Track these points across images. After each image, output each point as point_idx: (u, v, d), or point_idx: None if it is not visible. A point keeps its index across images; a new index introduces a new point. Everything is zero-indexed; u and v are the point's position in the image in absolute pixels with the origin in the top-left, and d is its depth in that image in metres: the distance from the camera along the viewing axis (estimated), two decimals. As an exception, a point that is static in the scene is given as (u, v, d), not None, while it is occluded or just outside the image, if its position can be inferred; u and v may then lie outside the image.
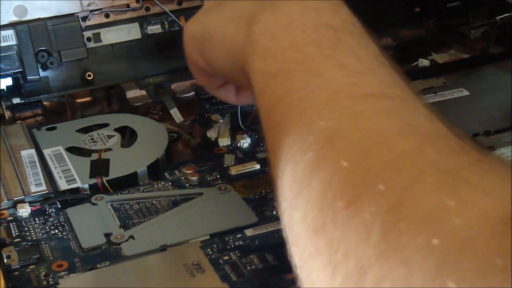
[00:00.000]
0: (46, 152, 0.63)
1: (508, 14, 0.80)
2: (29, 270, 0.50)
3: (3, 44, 0.69)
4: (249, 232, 0.52)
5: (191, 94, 0.74)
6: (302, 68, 0.35)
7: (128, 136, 0.67)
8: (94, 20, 0.73)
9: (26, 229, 0.54)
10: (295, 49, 0.36)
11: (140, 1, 0.74)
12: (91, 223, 0.54)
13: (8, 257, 0.51)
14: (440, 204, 0.26)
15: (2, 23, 0.69)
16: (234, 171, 0.60)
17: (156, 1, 0.74)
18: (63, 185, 0.58)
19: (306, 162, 0.31)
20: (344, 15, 0.38)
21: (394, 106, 0.32)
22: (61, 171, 0.60)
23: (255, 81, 0.38)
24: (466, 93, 0.70)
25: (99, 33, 0.74)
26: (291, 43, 0.36)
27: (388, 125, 0.30)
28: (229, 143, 0.65)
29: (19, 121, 0.71)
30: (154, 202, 0.57)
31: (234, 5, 0.44)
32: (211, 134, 0.66)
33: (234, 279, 0.47)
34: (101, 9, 0.73)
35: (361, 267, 0.26)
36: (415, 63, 0.78)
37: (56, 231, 0.54)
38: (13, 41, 0.70)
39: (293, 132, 0.32)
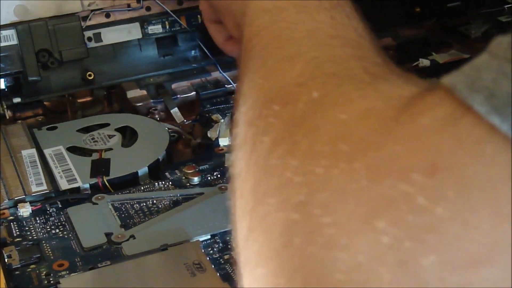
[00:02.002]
0: (47, 151, 0.63)
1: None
2: (30, 269, 0.50)
3: (4, 44, 0.69)
4: (249, 232, 0.52)
5: (191, 94, 0.74)
6: (293, 10, 0.37)
7: (128, 136, 0.67)
8: (94, 20, 0.73)
9: (27, 228, 0.54)
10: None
11: (141, 1, 0.74)
12: (92, 223, 0.54)
13: (9, 256, 0.51)
14: (358, 93, 0.30)
15: (2, 23, 0.69)
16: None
17: (157, 1, 0.74)
18: (64, 184, 0.59)
19: (264, 68, 0.35)
20: None
21: (357, 49, 0.35)
22: (62, 170, 0.60)
23: (247, 18, 0.40)
24: (466, 93, 0.70)
25: (100, 33, 0.74)
26: None
27: (343, 52, 0.34)
28: (230, 143, 0.65)
29: (19, 121, 0.71)
30: (155, 202, 0.57)
31: None
32: (212, 133, 0.66)
33: (235, 279, 0.47)
34: (101, 9, 0.73)
35: (273, 146, 0.29)
36: (416, 63, 0.78)
37: (57, 230, 0.54)
38: (14, 41, 0.70)
39: (276, 53, 0.35)
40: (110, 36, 0.74)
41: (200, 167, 0.61)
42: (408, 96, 0.27)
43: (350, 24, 0.37)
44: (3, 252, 0.51)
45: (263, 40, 0.37)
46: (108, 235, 0.52)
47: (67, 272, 0.49)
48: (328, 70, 0.32)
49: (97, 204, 0.56)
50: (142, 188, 0.59)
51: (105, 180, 0.59)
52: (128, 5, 0.74)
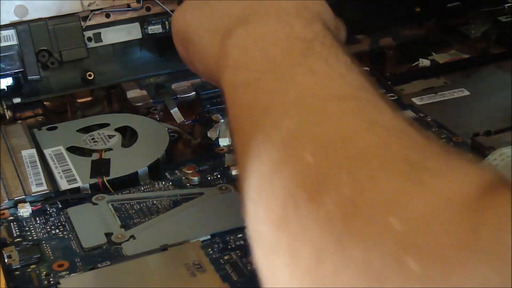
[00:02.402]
0: (47, 152, 0.63)
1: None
2: (30, 269, 0.50)
3: (3, 44, 0.69)
4: (249, 232, 0.52)
5: (191, 94, 0.74)
6: (271, 76, 0.35)
7: (128, 136, 0.67)
8: (94, 20, 0.73)
9: (27, 229, 0.54)
10: (266, 60, 0.36)
11: (141, 1, 0.74)
12: (92, 223, 0.54)
13: (9, 256, 0.51)
14: (401, 189, 0.26)
15: (2, 23, 0.69)
16: (235, 171, 0.60)
17: (157, 1, 0.74)
18: (63, 185, 0.59)
19: (272, 161, 0.31)
20: (317, 28, 0.38)
21: (361, 106, 0.32)
22: (62, 171, 0.60)
23: (226, 92, 0.38)
24: (466, 93, 0.70)
25: (100, 33, 0.74)
26: (262, 55, 0.37)
27: (354, 123, 0.30)
28: (230, 143, 0.65)
29: (19, 121, 0.71)
30: (154, 202, 0.57)
31: (214, 13, 0.44)
32: (212, 134, 0.66)
33: (235, 279, 0.47)
34: (101, 9, 0.73)
35: (320, 257, 0.26)
36: (416, 63, 0.78)
37: (57, 231, 0.54)
38: (13, 41, 0.70)
39: (260, 134, 0.32)
40: (110, 36, 0.74)
41: (200, 167, 0.61)
42: (471, 195, 0.25)
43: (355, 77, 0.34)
44: (3, 252, 0.51)
45: (249, 115, 0.35)
46: (108, 235, 0.52)
47: (67, 272, 0.49)
48: (349, 153, 0.29)
49: (97, 204, 0.56)
50: (142, 188, 0.59)
51: (105, 180, 0.59)
52: (128, 5, 0.74)
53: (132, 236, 0.52)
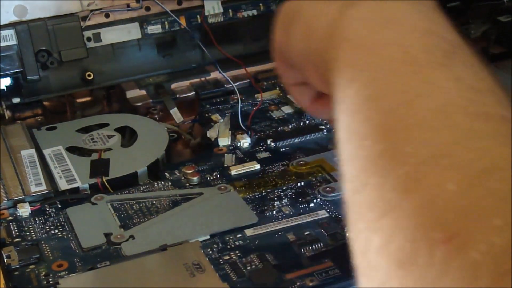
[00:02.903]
0: (46, 152, 0.63)
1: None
2: (29, 270, 0.50)
3: (3, 44, 0.69)
4: (249, 232, 0.52)
5: (191, 94, 0.74)
6: (406, 70, 0.29)
7: (128, 136, 0.67)
8: (94, 20, 0.73)
9: (26, 229, 0.54)
10: (400, 48, 0.30)
11: (140, 1, 0.74)
12: (91, 223, 0.54)
13: (8, 257, 0.51)
14: None
15: (2, 23, 0.69)
16: (234, 171, 0.60)
17: (156, 1, 0.74)
18: (63, 185, 0.59)
19: (400, 179, 0.26)
20: (453, 30, 0.32)
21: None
22: (61, 171, 0.60)
23: (338, 72, 0.32)
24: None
25: (99, 33, 0.74)
26: (396, 41, 0.30)
27: (508, 151, 0.25)
28: (229, 143, 0.65)
29: (19, 121, 0.71)
30: (154, 202, 0.57)
31: None
32: (211, 134, 0.66)
33: (234, 279, 0.47)
34: (101, 9, 0.73)
35: None
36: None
37: (56, 231, 0.54)
38: (13, 41, 0.70)
39: (387, 140, 0.27)
40: (110, 36, 0.74)
41: (200, 167, 0.61)
42: None
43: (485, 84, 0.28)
44: (2, 252, 0.51)
45: (373, 121, 0.28)
46: (107, 235, 0.52)
47: (66, 272, 0.49)
48: (504, 188, 0.23)
49: (96, 204, 0.56)
50: (141, 188, 0.58)
51: (104, 180, 0.59)
52: (128, 5, 0.74)
53: (132, 236, 0.52)
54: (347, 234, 0.51)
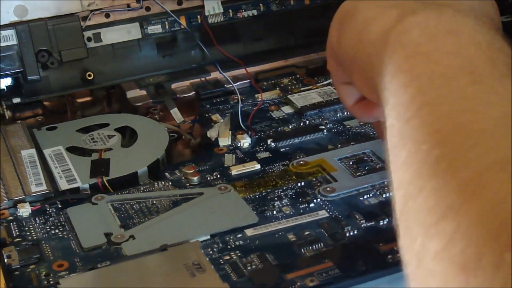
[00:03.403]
0: (47, 152, 0.63)
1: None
2: (29, 270, 0.50)
3: (3, 44, 0.69)
4: (249, 232, 0.52)
5: (191, 94, 0.74)
6: (467, 79, 0.28)
7: (128, 136, 0.67)
8: (94, 20, 0.73)
9: (26, 229, 0.54)
10: (461, 58, 0.29)
11: (141, 1, 0.74)
12: (92, 223, 0.54)
13: (9, 257, 0.51)
14: None
15: (2, 23, 0.69)
16: (234, 171, 0.60)
17: (157, 1, 0.74)
18: (63, 185, 0.59)
19: (462, 183, 0.25)
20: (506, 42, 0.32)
21: None
22: (62, 171, 0.60)
23: (391, 77, 0.31)
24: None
25: (100, 33, 0.74)
26: (456, 51, 0.30)
27: None
28: (230, 143, 0.65)
29: (19, 121, 0.71)
30: (154, 202, 0.57)
31: None
32: (212, 134, 0.66)
33: (235, 279, 0.47)
34: (101, 9, 0.73)
35: None
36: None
37: (57, 231, 0.54)
38: (13, 41, 0.70)
39: (447, 145, 0.26)
40: (110, 36, 0.74)
41: (200, 167, 0.61)
42: None
43: None
44: (3, 252, 0.51)
45: (430, 126, 0.27)
46: (107, 235, 0.52)
47: (67, 272, 0.49)
48: None
49: (96, 204, 0.56)
50: (141, 188, 0.59)
51: (104, 180, 0.59)
52: (128, 5, 0.74)
53: (132, 236, 0.52)
54: (347, 234, 0.51)
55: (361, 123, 0.66)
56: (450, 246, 0.24)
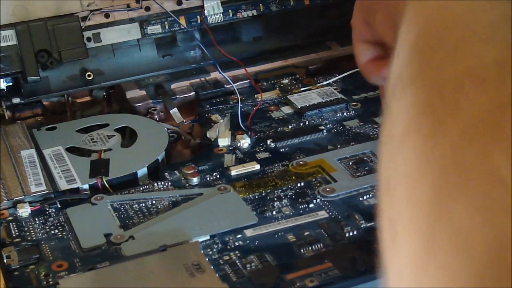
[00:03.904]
0: (46, 152, 0.63)
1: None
2: (29, 270, 0.50)
3: (3, 44, 0.69)
4: (249, 233, 0.52)
5: (191, 94, 0.74)
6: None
7: (128, 136, 0.67)
8: (94, 20, 0.73)
9: (26, 229, 0.54)
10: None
11: (140, 1, 0.74)
12: (91, 223, 0.54)
13: (8, 257, 0.51)
14: None
15: (2, 23, 0.69)
16: (234, 171, 0.60)
17: (156, 1, 0.74)
18: (63, 185, 0.59)
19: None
20: None
21: None
22: (61, 171, 0.60)
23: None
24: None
25: (99, 33, 0.74)
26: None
27: None
28: (229, 143, 0.65)
29: (19, 121, 0.71)
30: (154, 202, 0.57)
31: None
32: (211, 134, 0.66)
33: (234, 279, 0.47)
34: (101, 9, 0.73)
35: None
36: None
37: (56, 231, 0.54)
38: (13, 41, 0.70)
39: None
40: (109, 36, 0.74)
41: (199, 168, 0.61)
42: None
43: None
44: (2, 252, 0.51)
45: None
46: (107, 235, 0.52)
47: (66, 272, 0.49)
48: None
49: (96, 204, 0.56)
50: (141, 188, 0.59)
51: (104, 180, 0.59)
52: (128, 6, 0.74)
53: (131, 237, 0.52)
54: (347, 234, 0.51)
55: (361, 123, 0.66)
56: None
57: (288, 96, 0.71)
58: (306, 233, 0.52)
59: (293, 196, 0.56)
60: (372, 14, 0.41)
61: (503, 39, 0.23)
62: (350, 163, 0.60)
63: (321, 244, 0.50)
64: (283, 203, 0.55)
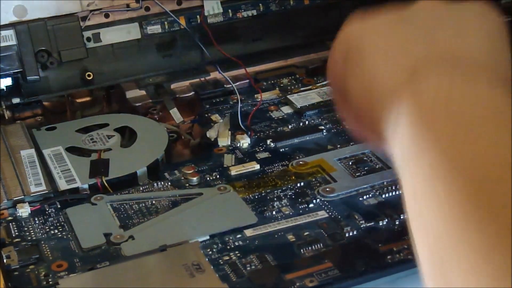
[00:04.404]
0: (46, 152, 0.63)
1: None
2: (28, 270, 0.50)
3: (3, 44, 0.69)
4: (248, 233, 0.52)
5: (191, 94, 0.74)
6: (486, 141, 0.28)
7: (127, 136, 0.67)
8: (94, 20, 0.73)
9: (25, 229, 0.54)
10: (488, 122, 0.29)
11: (140, 1, 0.74)
12: (91, 223, 0.54)
13: (8, 257, 0.51)
14: None
15: (2, 23, 0.69)
16: (233, 171, 0.60)
17: (156, 1, 0.74)
18: (62, 185, 0.59)
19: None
20: None
21: None
22: (61, 171, 0.60)
23: (402, 137, 0.32)
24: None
25: (99, 33, 0.74)
26: (470, 117, 0.29)
27: None
28: (229, 143, 0.65)
29: (18, 121, 0.71)
30: (154, 202, 0.57)
31: (409, 38, 0.36)
32: (211, 134, 0.66)
33: (234, 279, 0.47)
34: (101, 9, 0.73)
35: None
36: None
37: (56, 231, 0.54)
38: (13, 41, 0.70)
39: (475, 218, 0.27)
40: (109, 36, 0.74)
41: (199, 168, 0.61)
42: None
43: None
44: (2, 252, 0.51)
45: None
46: (107, 235, 0.52)
47: (66, 272, 0.49)
48: None
49: (96, 204, 0.56)
50: (141, 188, 0.59)
51: (104, 180, 0.59)
52: (127, 5, 0.74)
53: (131, 237, 0.52)
54: (346, 235, 0.51)
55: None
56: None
57: (288, 96, 0.71)
58: (306, 233, 0.52)
59: (293, 196, 0.56)
60: (353, 112, 0.40)
61: None
62: (350, 163, 0.60)
63: (321, 244, 0.50)
64: (282, 203, 0.55)
